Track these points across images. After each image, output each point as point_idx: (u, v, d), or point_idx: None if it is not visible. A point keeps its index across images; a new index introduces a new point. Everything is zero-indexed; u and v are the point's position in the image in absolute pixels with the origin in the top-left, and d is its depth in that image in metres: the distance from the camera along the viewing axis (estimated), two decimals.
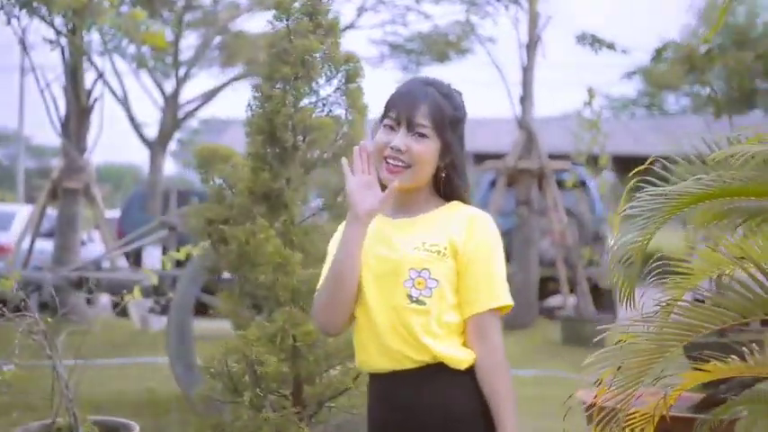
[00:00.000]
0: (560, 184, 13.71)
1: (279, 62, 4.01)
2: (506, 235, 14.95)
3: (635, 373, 3.63)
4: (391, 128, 2.68)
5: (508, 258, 14.05)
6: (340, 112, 4.17)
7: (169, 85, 12.77)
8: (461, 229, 2.63)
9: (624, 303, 3.73)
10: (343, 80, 4.15)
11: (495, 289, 2.62)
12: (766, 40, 26.77)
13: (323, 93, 4.17)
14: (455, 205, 2.72)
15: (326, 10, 4.08)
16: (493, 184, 14.66)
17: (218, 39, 13.12)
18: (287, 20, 4.05)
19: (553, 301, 15.16)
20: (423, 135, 2.64)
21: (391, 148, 2.65)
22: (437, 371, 2.59)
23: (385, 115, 2.72)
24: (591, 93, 12.69)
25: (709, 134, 3.82)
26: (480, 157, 16.24)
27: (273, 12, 4.04)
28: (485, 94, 43.74)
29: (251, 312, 4.12)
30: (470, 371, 2.61)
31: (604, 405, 3.35)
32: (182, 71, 12.77)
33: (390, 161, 2.65)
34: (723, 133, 4.02)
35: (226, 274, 4.46)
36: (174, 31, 10.96)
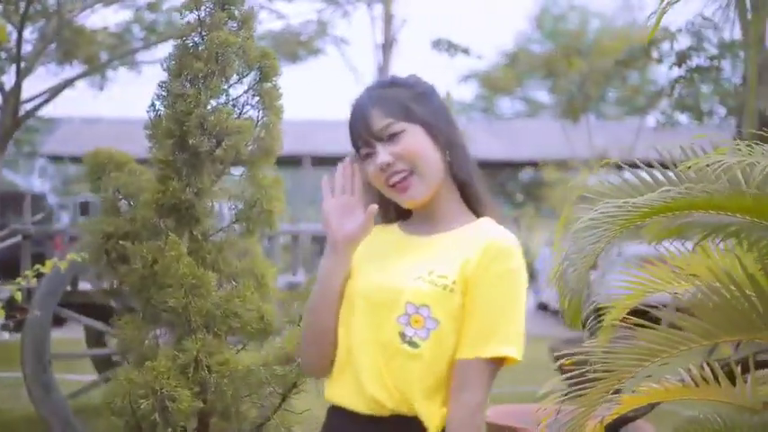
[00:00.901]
0: None
1: (189, 57, 3.55)
2: None
3: (583, 411, 3.36)
4: (368, 156, 2.28)
5: None
6: (252, 113, 3.73)
7: (8, 82, 12.01)
8: (478, 261, 2.17)
9: (569, 322, 3.46)
10: (257, 78, 3.72)
11: (499, 334, 2.16)
12: (597, 47, 27.52)
13: (233, 92, 3.73)
14: (479, 225, 2.28)
15: (240, 1, 3.65)
16: None
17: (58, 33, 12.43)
18: (197, 10, 3.59)
19: None
20: (396, 134, 2.24)
21: (381, 169, 2.24)
22: (411, 426, 2.17)
23: (357, 151, 2.33)
24: (448, 97, 12.55)
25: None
26: (337, 160, 15.82)
27: (183, 1, 3.58)
28: (340, 96, 43.36)
29: (154, 340, 3.64)
30: None
31: None
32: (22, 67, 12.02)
33: (391, 180, 2.24)
34: (667, 143, 3.81)
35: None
36: (15, 24, 10.21)
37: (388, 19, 13.13)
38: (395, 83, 2.33)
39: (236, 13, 3.65)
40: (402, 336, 2.15)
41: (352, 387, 2.23)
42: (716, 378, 3.61)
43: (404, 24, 13.23)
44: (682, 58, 12.95)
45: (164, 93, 3.59)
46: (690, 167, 3.20)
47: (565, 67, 26.95)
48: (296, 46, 15.43)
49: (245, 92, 3.71)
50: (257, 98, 3.72)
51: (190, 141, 3.51)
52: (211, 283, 3.48)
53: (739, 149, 3.25)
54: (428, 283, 2.16)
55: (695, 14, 16.21)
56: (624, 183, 3.54)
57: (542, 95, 32.24)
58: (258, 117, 3.72)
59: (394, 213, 2.41)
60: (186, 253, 3.48)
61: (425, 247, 2.26)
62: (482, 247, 2.18)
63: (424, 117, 2.27)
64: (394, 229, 2.37)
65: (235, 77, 3.65)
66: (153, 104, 3.60)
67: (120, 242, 3.56)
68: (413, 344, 2.15)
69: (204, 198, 3.57)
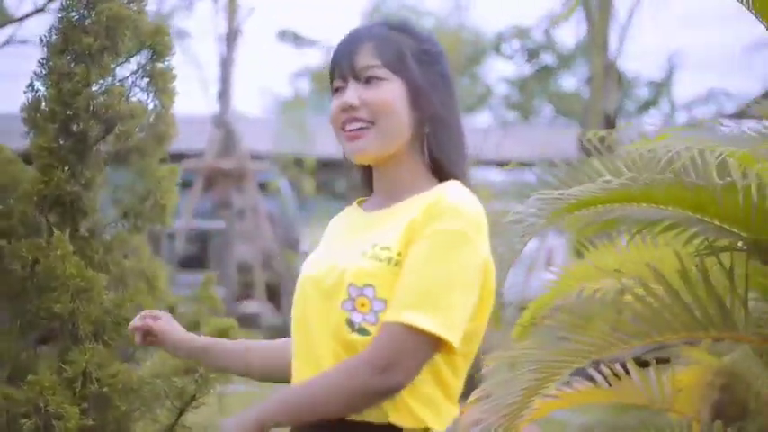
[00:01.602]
0: (263, 186, 13.17)
1: (76, 31, 3.14)
2: (204, 239, 14.20)
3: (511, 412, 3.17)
4: (338, 90, 2.00)
5: (205, 264, 13.35)
6: (141, 96, 3.35)
7: None
8: (419, 215, 1.89)
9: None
10: (150, 57, 3.34)
11: (430, 299, 1.83)
12: None
13: (119, 72, 3.34)
14: (436, 188, 1.98)
15: None
16: (189, 184, 13.84)
17: None
18: None
19: (249, 307, 14.56)
20: (375, 78, 1.96)
21: (342, 109, 1.96)
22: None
23: (331, 80, 2.04)
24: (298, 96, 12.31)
25: None
26: (176, 157, 15.28)
27: None
28: (181, 89, 41.85)
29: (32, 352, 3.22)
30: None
31: None
32: None
33: (348, 126, 1.97)
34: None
35: None
36: None
37: (233, 9, 12.71)
38: (405, 29, 2.04)
39: None
40: (350, 324, 1.88)
41: (310, 372, 1.93)
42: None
43: (250, 14, 12.81)
44: (532, 55, 13.14)
45: (44, 71, 3.18)
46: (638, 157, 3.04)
47: None
48: None
49: (135, 72, 3.33)
50: (147, 80, 3.35)
51: (76, 126, 3.11)
52: (101, 285, 3.09)
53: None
54: (370, 259, 1.87)
55: (545, 15, 16.55)
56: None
57: None
58: (147, 101, 3.35)
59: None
60: (73, 252, 3.08)
61: (375, 221, 1.98)
62: (426, 205, 1.90)
63: (413, 76, 1.99)
64: (355, 208, 2.12)
65: (123, 56, 3.27)
66: (32, 84, 3.18)
67: None
68: (363, 331, 1.87)
69: (92, 190, 3.17)
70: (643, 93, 30.85)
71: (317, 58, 28.07)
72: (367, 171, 2.10)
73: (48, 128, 3.09)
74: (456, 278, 1.86)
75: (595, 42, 13.48)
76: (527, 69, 23.34)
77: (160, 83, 3.33)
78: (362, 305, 1.87)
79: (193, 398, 3.20)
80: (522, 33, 19.25)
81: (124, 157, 3.27)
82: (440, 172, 2.03)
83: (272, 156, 12.43)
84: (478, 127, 23.17)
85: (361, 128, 1.96)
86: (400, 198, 2.00)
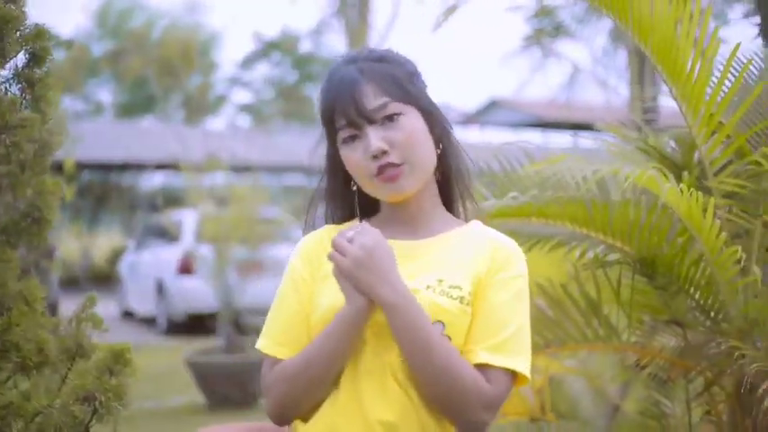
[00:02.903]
0: None
1: None
2: None
3: None
4: (352, 139, 1.97)
5: None
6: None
7: None
8: (485, 262, 1.97)
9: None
10: (28, 62, 3.09)
11: (517, 345, 1.95)
12: (164, 47, 27.23)
13: None
14: (473, 228, 2.06)
15: None
16: None
17: None
18: None
19: None
20: (394, 115, 1.96)
21: (374, 156, 1.93)
22: None
23: (329, 129, 2.00)
24: None
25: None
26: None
27: None
28: None
29: None
30: None
31: None
32: None
33: (382, 170, 1.96)
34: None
35: None
36: None
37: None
38: (384, 58, 2.02)
39: None
40: None
41: (353, 418, 1.91)
42: None
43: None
44: (300, 63, 13.26)
45: None
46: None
47: (130, 66, 26.38)
48: None
49: (12, 78, 3.08)
50: (23, 85, 3.10)
51: None
52: None
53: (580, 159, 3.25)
54: (442, 295, 1.91)
55: (317, 23, 16.68)
56: None
57: (105, 95, 31.30)
58: (22, 107, 3.10)
59: (350, 211, 2.11)
60: None
61: (423, 252, 1.99)
62: (490, 253, 1.97)
63: (421, 100, 2.01)
64: None
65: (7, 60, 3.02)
66: None
67: None
68: None
69: None
70: None
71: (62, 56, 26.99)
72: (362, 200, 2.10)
73: None
74: (527, 318, 1.98)
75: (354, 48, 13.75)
76: (293, 76, 23.53)
77: (40, 90, 3.09)
78: None
79: (87, 426, 3.00)
80: (291, 41, 19.43)
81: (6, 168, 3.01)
82: (451, 191, 2.07)
83: None
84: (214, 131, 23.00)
85: (396, 167, 1.96)
86: (421, 227, 2.03)
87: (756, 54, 3.44)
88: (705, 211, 3.00)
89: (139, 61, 26.42)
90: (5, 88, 3.09)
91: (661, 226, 3.32)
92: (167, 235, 14.78)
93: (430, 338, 1.84)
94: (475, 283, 1.95)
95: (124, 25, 29.41)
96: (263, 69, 24.87)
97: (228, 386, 8.44)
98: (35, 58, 3.11)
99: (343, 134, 1.99)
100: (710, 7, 3.23)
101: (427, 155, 2.00)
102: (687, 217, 3.10)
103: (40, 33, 3.10)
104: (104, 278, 20.68)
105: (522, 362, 1.93)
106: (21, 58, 3.12)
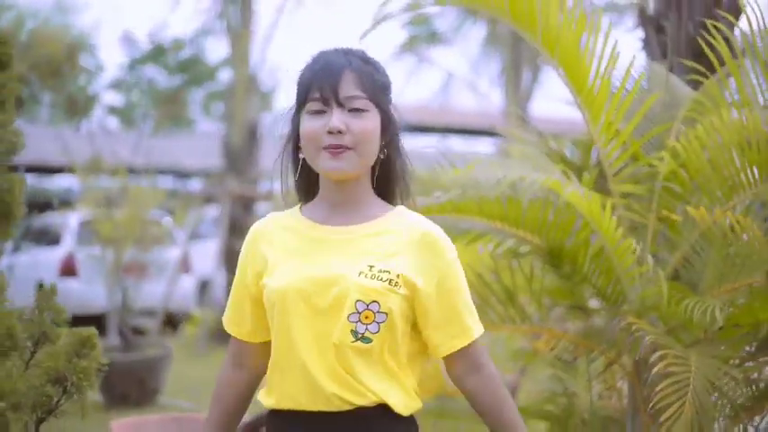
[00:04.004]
0: None
1: None
2: None
3: None
4: (318, 112, 2.27)
5: None
6: None
7: None
8: (416, 254, 2.28)
9: None
10: None
11: (472, 315, 2.36)
12: (34, 48, 26.73)
13: None
14: (401, 215, 2.36)
15: None
16: None
17: None
18: None
19: None
20: (360, 110, 2.26)
21: (329, 132, 2.24)
22: (376, 415, 2.25)
23: (304, 99, 2.29)
24: None
25: None
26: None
27: None
28: None
29: None
30: (412, 417, 2.33)
31: None
32: None
33: (329, 145, 2.25)
34: None
35: None
36: None
37: None
38: (371, 62, 2.34)
39: None
40: (354, 333, 2.22)
41: (303, 388, 2.24)
42: None
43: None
44: (182, 67, 13.43)
45: None
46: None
47: None
48: None
49: None
50: None
51: None
52: None
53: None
54: (373, 279, 2.23)
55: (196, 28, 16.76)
56: None
57: None
58: None
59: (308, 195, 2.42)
60: None
61: (356, 240, 2.30)
62: (421, 244, 2.29)
63: (386, 108, 2.32)
64: (298, 219, 2.37)
65: None
66: None
67: None
68: (365, 339, 2.23)
69: None
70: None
71: None
72: (306, 179, 2.40)
73: None
74: (467, 288, 2.39)
75: (238, 56, 13.96)
76: (176, 80, 23.39)
77: (4, 94, 3.31)
78: (367, 317, 2.22)
79: (57, 404, 3.24)
80: (178, 45, 19.45)
81: None
82: (384, 188, 2.40)
83: None
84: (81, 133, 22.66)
85: (342, 150, 2.25)
86: (361, 214, 2.33)
87: (645, 67, 3.90)
88: (604, 208, 3.42)
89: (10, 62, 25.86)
90: None
91: (566, 222, 3.74)
92: (47, 237, 14.65)
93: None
94: (404, 268, 2.26)
95: None
96: (140, 73, 24.68)
97: (126, 384, 8.52)
98: None
99: (311, 106, 2.26)
100: (611, 25, 3.66)
101: (372, 150, 2.29)
102: (588, 214, 3.52)
103: (1, 40, 3.31)
104: None
105: (477, 328, 2.35)
106: None
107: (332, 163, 2.25)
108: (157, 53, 22.33)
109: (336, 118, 2.24)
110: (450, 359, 2.33)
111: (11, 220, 3.31)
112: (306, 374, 2.23)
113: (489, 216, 3.64)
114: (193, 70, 22.31)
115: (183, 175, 23.85)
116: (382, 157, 2.34)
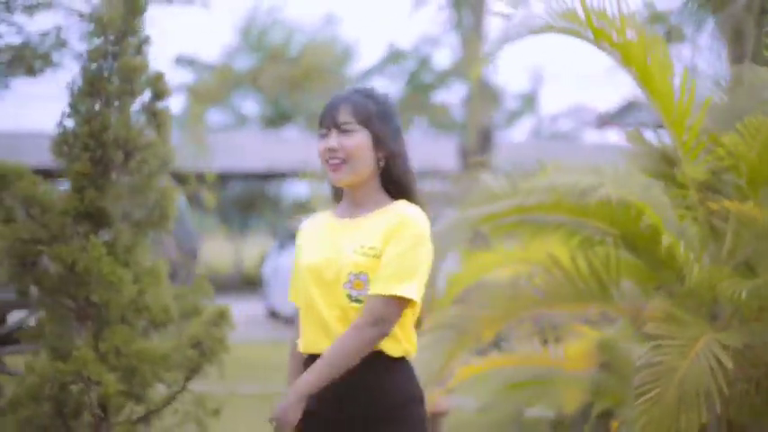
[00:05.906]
0: None
1: (99, 78, 3.99)
2: None
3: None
4: (324, 136, 2.96)
5: None
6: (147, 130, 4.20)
7: None
8: (391, 230, 2.87)
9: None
10: (151, 98, 4.19)
11: (401, 277, 2.84)
12: (302, 59, 28.57)
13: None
14: (395, 205, 2.96)
15: (139, 28, 4.13)
16: None
17: None
18: (104, 35, 4.04)
19: None
20: (349, 131, 2.91)
21: (327, 149, 2.93)
22: (374, 356, 2.87)
23: (319, 126, 3.00)
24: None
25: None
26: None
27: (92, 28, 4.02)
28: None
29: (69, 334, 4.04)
30: (404, 359, 2.94)
31: None
32: None
33: (329, 161, 2.92)
34: None
35: None
36: None
37: None
38: (370, 95, 3.02)
39: (134, 39, 4.12)
40: (350, 297, 2.90)
41: (320, 336, 2.93)
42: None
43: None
44: (412, 77, 14.34)
45: (72, 111, 4.01)
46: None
47: (272, 79, 27.76)
48: (32, 59, 15.12)
49: (141, 110, 4.18)
50: (148, 116, 4.21)
51: (102, 155, 3.96)
52: (128, 280, 3.94)
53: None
54: (361, 255, 2.88)
55: (422, 38, 17.75)
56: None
57: (248, 107, 32.84)
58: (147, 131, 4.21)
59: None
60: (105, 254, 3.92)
61: (356, 227, 2.96)
62: (394, 221, 2.90)
63: (376, 129, 2.98)
64: (328, 215, 3.08)
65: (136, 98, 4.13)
66: (61, 122, 4.01)
67: (39, 247, 3.93)
68: (358, 300, 2.89)
69: (116, 205, 4.02)
70: (510, 105, 32.68)
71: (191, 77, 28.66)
72: (338, 188, 3.08)
73: (82, 157, 3.93)
74: (419, 263, 2.89)
75: (470, 63, 14.65)
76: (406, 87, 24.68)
77: (161, 118, 4.18)
78: (358, 285, 2.88)
79: (199, 366, 4.07)
80: (401, 56, 20.67)
81: (138, 178, 4.11)
82: (395, 191, 3.04)
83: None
84: None
85: (338, 163, 2.93)
86: (367, 209, 2.98)
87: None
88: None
89: (278, 75, 27.80)
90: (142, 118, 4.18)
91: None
92: None
93: (335, 369, 2.81)
94: (383, 240, 2.85)
95: (265, 41, 30.96)
96: (379, 81, 25.99)
97: None
98: (157, 96, 4.19)
99: (320, 131, 2.99)
100: (687, 69, 4.09)
101: (363, 162, 2.92)
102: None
103: (158, 77, 4.19)
104: (253, 281, 21.78)
105: (400, 288, 2.81)
106: (146, 96, 4.21)
107: (332, 175, 2.96)
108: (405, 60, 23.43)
109: (332, 139, 2.95)
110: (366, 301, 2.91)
111: (165, 219, 4.16)
112: (324, 325, 2.92)
113: (566, 212, 4.16)
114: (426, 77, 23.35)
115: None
116: (382, 164, 2.99)
